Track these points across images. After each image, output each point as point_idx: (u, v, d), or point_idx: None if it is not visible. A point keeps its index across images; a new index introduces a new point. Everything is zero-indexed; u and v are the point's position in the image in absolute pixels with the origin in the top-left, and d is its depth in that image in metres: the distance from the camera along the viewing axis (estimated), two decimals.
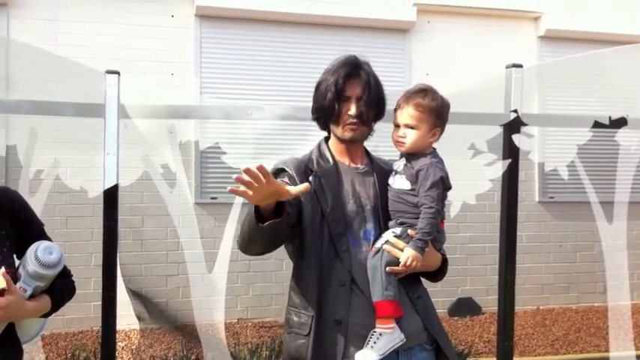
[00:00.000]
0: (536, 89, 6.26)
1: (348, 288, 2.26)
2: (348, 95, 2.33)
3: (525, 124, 3.79)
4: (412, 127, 2.37)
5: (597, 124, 3.98)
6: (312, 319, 2.24)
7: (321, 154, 2.41)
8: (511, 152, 3.76)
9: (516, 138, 3.75)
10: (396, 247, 2.28)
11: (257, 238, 2.13)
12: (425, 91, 2.41)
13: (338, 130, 2.38)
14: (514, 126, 3.76)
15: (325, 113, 2.37)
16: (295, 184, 2.25)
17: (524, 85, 3.79)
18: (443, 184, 2.37)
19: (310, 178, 2.31)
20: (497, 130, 3.86)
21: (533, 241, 6.81)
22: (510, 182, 3.78)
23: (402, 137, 2.38)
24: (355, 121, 2.33)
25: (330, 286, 2.26)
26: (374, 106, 2.36)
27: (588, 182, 4.43)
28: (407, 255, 2.25)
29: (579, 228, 6.89)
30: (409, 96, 2.40)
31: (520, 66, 3.81)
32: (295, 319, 2.30)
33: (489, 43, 6.95)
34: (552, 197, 7.04)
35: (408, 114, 2.37)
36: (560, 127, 5.35)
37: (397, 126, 2.41)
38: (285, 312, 2.39)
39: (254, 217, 2.06)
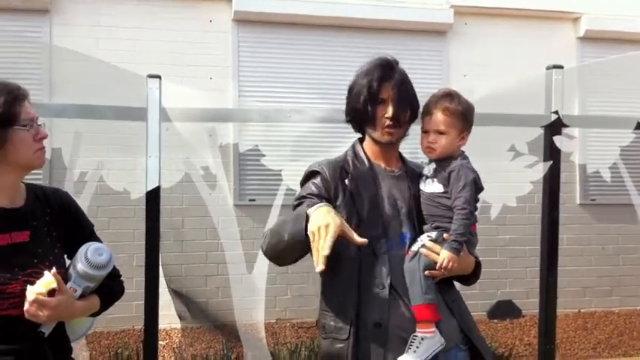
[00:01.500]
0: (577, 90, 6.18)
1: (387, 291, 2.25)
2: (384, 97, 2.32)
3: (566, 126, 3.76)
4: (442, 133, 2.36)
5: None
6: (351, 324, 2.23)
7: (356, 156, 2.41)
8: (552, 154, 3.73)
9: (557, 139, 3.72)
10: (433, 251, 2.28)
11: (297, 249, 2.17)
12: (451, 96, 2.40)
13: (376, 134, 2.37)
14: (555, 127, 3.72)
15: (359, 116, 2.37)
16: (329, 188, 2.30)
17: (565, 86, 3.76)
18: (475, 186, 2.36)
19: (346, 181, 2.32)
20: (538, 132, 3.83)
21: (574, 243, 6.71)
22: (551, 184, 3.75)
23: (432, 143, 2.37)
24: (392, 123, 2.32)
25: (369, 290, 2.25)
26: (408, 107, 2.36)
27: (631, 184, 4.36)
28: (443, 257, 2.24)
29: (622, 230, 6.77)
30: (436, 101, 2.39)
31: (561, 67, 3.78)
32: (332, 324, 2.28)
33: (528, 44, 6.87)
34: (594, 199, 6.93)
35: (437, 120, 2.36)
36: (602, 128, 5.29)
37: (426, 132, 2.40)
38: (319, 316, 2.38)
39: (304, 231, 2.09)
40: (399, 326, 2.24)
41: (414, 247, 2.30)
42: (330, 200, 2.29)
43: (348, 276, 2.27)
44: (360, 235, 2.21)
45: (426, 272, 2.26)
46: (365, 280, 2.26)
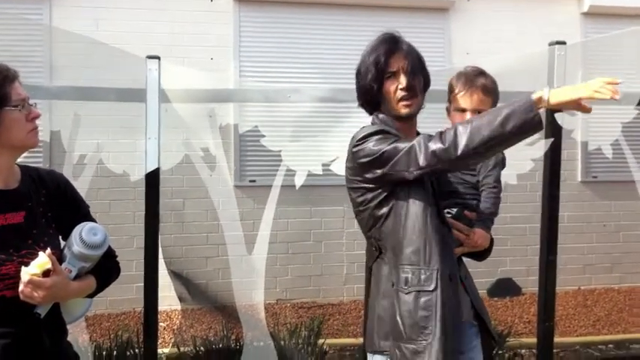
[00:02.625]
0: (580, 66, 6.13)
1: (449, 245, 2.27)
2: (394, 70, 2.27)
3: None
4: (480, 111, 2.35)
5: None
6: (437, 272, 2.18)
7: (387, 126, 2.32)
8: (554, 131, 3.70)
9: (559, 117, 3.69)
10: (456, 228, 2.30)
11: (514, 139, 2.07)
12: (484, 74, 2.44)
13: (394, 109, 2.30)
14: None
15: (373, 95, 2.31)
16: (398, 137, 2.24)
17: (568, 62, 3.72)
18: (502, 164, 2.38)
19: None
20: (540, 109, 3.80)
21: (575, 221, 6.71)
22: (553, 162, 3.73)
23: None
24: (407, 94, 2.27)
25: (441, 242, 2.22)
26: (420, 76, 2.32)
27: (633, 160, 4.34)
28: (478, 234, 2.30)
29: (623, 207, 6.76)
30: (471, 79, 2.39)
31: (563, 43, 3.73)
32: (414, 276, 2.19)
33: (531, 21, 6.82)
34: (595, 177, 6.91)
35: (478, 98, 2.37)
36: (604, 104, 5.24)
37: (463, 110, 2.39)
38: (390, 274, 2.25)
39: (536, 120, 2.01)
40: (463, 278, 2.32)
41: None
42: None
43: (426, 225, 2.21)
44: (428, 187, 2.24)
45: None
46: (440, 233, 2.23)
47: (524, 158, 4.16)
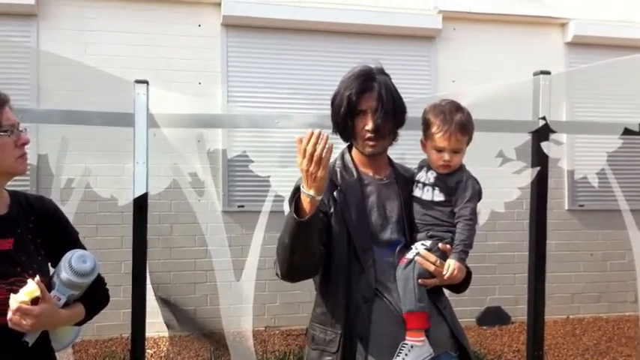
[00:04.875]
0: (565, 96, 6.20)
1: (370, 304, 2.25)
2: (364, 109, 2.30)
3: (554, 132, 3.77)
4: (459, 151, 2.36)
5: (627, 131, 3.94)
6: (341, 337, 2.24)
7: (345, 167, 2.39)
8: (540, 160, 3.74)
9: (545, 145, 3.73)
10: (428, 260, 2.28)
11: (300, 242, 2.10)
12: (460, 109, 2.39)
13: (358, 146, 2.37)
14: (543, 133, 3.73)
15: (341, 129, 2.36)
16: (322, 202, 2.23)
17: (553, 91, 3.76)
18: (479, 196, 2.38)
19: (335, 194, 2.31)
20: (526, 138, 3.84)
21: (562, 249, 6.73)
22: (539, 190, 3.76)
23: (449, 162, 2.35)
24: (372, 135, 2.30)
25: (357, 303, 2.25)
26: (391, 116, 2.31)
27: (619, 190, 4.37)
28: (453, 267, 2.26)
29: (610, 236, 6.79)
30: (449, 118, 2.34)
31: (548, 73, 3.79)
32: (321, 336, 2.29)
33: (516, 50, 6.90)
34: (582, 205, 6.96)
35: (456, 139, 2.33)
36: (590, 134, 5.30)
37: (441, 150, 2.36)
38: (308, 327, 2.38)
39: (294, 216, 2.06)
40: (386, 333, 2.24)
41: (409, 255, 2.30)
42: (326, 213, 2.28)
43: (337, 289, 2.27)
44: (350, 249, 2.27)
45: (420, 280, 2.26)
46: (354, 294, 2.25)
47: (511, 186, 4.18)
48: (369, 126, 2.29)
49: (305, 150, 2.02)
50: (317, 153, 2.01)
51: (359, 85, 2.30)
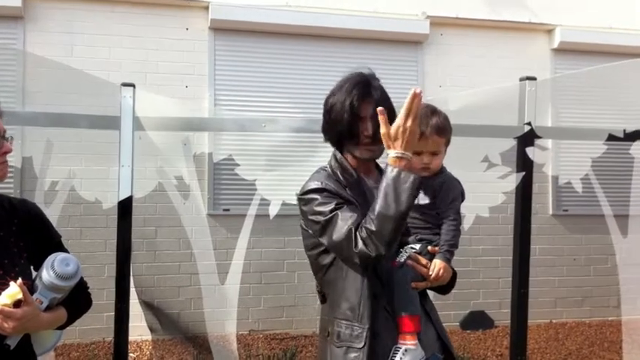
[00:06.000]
0: (550, 102, 6.25)
1: (380, 301, 2.27)
2: (363, 115, 2.32)
3: (539, 137, 3.80)
4: (437, 153, 2.39)
5: (611, 137, 3.97)
6: (368, 331, 2.23)
7: (343, 168, 2.38)
8: (525, 165, 3.76)
9: (530, 151, 3.75)
10: (419, 264, 2.30)
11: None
12: (436, 112, 2.42)
13: (357, 151, 2.36)
14: (528, 139, 3.76)
15: (342, 134, 2.36)
16: (340, 196, 2.28)
17: (538, 97, 3.80)
18: (462, 197, 2.39)
19: (347, 190, 2.31)
20: (511, 143, 3.87)
21: (546, 254, 6.77)
22: (524, 195, 3.78)
23: (428, 164, 2.39)
24: (371, 140, 2.32)
25: (373, 298, 2.25)
26: (389, 122, 2.32)
27: (602, 195, 4.41)
28: (439, 267, 2.28)
29: (593, 241, 6.84)
30: (425, 122, 2.37)
31: (534, 79, 3.82)
32: (347, 331, 2.27)
33: (503, 55, 6.95)
34: (566, 210, 7.00)
35: (432, 141, 2.37)
36: (574, 139, 5.35)
37: (419, 153, 2.38)
38: (327, 324, 2.35)
39: (415, 176, 2.08)
40: (390, 337, 2.26)
41: (400, 259, 2.30)
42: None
43: (355, 284, 2.27)
44: None
45: (413, 284, 2.28)
46: (371, 292, 2.26)
47: (496, 191, 4.21)
48: (369, 131, 2.30)
49: (417, 109, 2.08)
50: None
51: (360, 91, 2.32)
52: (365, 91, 2.33)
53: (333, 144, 2.45)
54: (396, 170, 2.09)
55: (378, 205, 2.10)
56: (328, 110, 2.40)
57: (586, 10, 7.13)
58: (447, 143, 2.45)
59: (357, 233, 2.15)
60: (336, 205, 2.24)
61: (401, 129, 2.08)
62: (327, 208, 2.24)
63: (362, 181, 2.38)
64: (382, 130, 2.09)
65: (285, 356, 5.55)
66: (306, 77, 6.50)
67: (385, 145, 2.16)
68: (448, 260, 2.31)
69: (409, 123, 2.07)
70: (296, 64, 6.57)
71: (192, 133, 4.57)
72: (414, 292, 2.28)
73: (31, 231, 2.11)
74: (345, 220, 2.18)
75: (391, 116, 2.38)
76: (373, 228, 2.10)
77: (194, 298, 5.87)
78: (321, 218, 2.25)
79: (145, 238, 5.93)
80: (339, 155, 2.42)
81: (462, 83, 6.63)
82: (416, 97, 2.05)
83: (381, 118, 2.11)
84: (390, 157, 2.11)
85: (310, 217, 2.30)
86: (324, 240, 2.26)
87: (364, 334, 2.23)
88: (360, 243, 2.13)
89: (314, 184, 2.32)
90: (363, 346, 2.22)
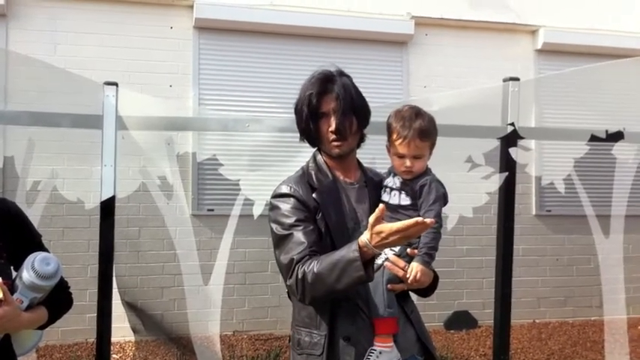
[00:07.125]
0: (534, 102, 6.28)
1: (353, 304, 2.26)
2: (325, 111, 2.31)
3: (522, 137, 3.81)
4: (420, 157, 2.36)
5: (594, 138, 3.99)
6: (325, 338, 2.23)
7: (319, 168, 2.39)
8: (508, 165, 3.77)
9: (513, 151, 3.77)
10: (397, 265, 2.27)
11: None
12: (420, 114, 2.38)
13: (326, 149, 2.37)
14: (511, 139, 3.77)
15: (309, 133, 2.37)
16: (305, 206, 2.27)
17: (522, 98, 3.81)
18: (444, 200, 2.37)
19: (314, 195, 2.30)
20: (495, 144, 3.88)
21: (529, 254, 6.81)
22: (507, 195, 3.79)
23: (411, 167, 2.35)
24: (336, 137, 2.31)
25: (340, 303, 2.24)
26: (352, 116, 2.33)
27: (585, 196, 4.44)
28: (416, 270, 2.24)
29: (576, 241, 6.89)
30: (408, 124, 2.33)
31: (517, 79, 3.83)
32: (307, 339, 2.28)
33: (487, 56, 6.98)
34: (549, 210, 7.04)
35: (415, 145, 2.32)
36: (557, 140, 5.37)
37: (402, 157, 2.36)
38: (291, 331, 2.37)
39: (363, 274, 2.05)
40: (365, 340, 2.24)
41: (378, 260, 2.28)
42: (315, 220, 2.27)
43: None
44: (333, 248, 2.22)
45: (389, 286, 2.27)
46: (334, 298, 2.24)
47: (479, 191, 4.22)
48: (333, 126, 2.30)
49: (410, 234, 2.00)
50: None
51: (318, 87, 2.31)
52: (323, 87, 2.31)
53: (310, 144, 2.45)
54: (357, 255, 2.04)
55: (326, 264, 2.10)
56: (295, 111, 2.41)
57: (570, 12, 7.18)
58: (432, 146, 2.40)
59: (297, 267, 2.16)
60: (296, 221, 2.24)
61: (385, 234, 2.00)
62: (286, 222, 2.25)
63: (337, 182, 2.37)
64: (371, 218, 2.02)
65: (269, 357, 5.54)
66: (291, 77, 6.48)
67: (367, 227, 2.10)
68: (427, 263, 2.27)
69: (395, 237, 1.99)
70: (281, 63, 6.56)
71: (175, 132, 4.56)
72: (391, 294, 2.27)
73: (11, 230, 2.09)
74: (295, 244, 2.19)
75: (360, 111, 2.37)
76: (309, 279, 2.12)
77: (178, 298, 5.85)
78: (279, 230, 2.26)
79: (128, 239, 5.89)
80: (318, 156, 2.43)
81: (446, 83, 6.65)
82: (417, 225, 1.96)
83: (379, 211, 2.01)
84: (361, 239, 2.06)
85: (271, 224, 2.31)
86: (275, 252, 2.29)
87: (322, 341, 2.23)
88: (293, 279, 2.16)
89: (284, 188, 2.33)
90: (321, 354, 2.23)
